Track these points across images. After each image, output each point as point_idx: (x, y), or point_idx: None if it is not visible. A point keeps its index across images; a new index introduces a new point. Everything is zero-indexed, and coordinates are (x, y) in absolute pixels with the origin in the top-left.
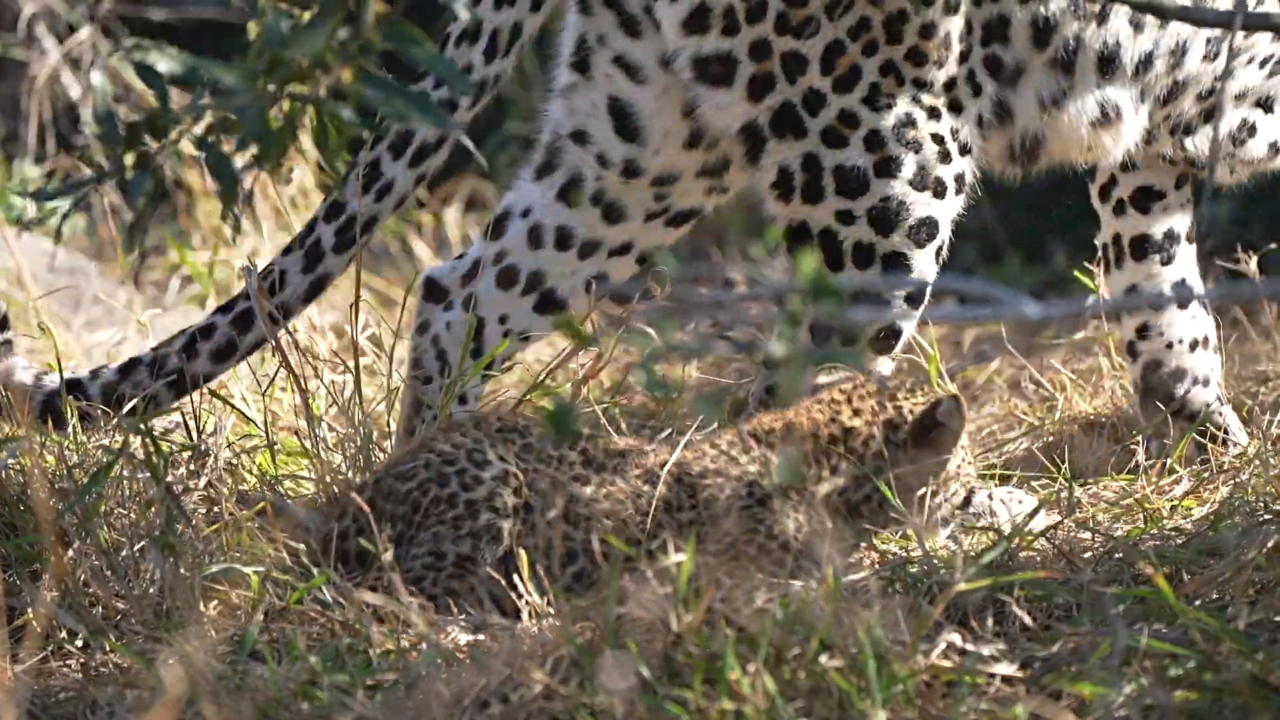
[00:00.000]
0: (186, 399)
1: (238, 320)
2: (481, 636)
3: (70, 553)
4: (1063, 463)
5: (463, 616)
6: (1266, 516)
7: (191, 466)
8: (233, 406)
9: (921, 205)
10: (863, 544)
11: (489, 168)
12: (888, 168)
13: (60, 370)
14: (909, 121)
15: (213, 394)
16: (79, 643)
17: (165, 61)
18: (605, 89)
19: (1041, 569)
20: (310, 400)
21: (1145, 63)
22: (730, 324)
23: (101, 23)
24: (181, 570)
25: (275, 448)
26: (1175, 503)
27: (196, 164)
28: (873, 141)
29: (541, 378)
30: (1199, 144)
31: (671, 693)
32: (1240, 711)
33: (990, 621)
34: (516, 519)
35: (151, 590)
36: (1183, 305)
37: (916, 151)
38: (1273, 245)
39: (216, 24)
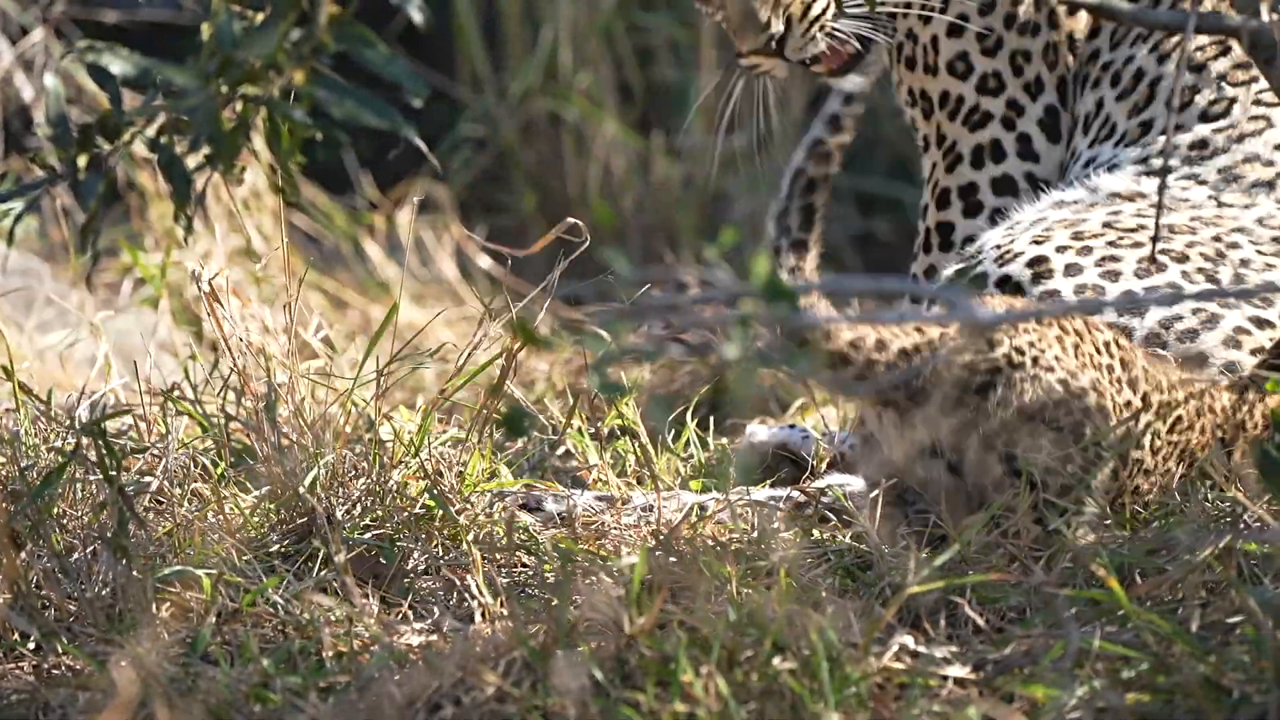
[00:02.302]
0: (139, 401)
1: None
2: (434, 638)
3: (22, 555)
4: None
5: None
6: (1218, 517)
7: (144, 468)
8: (185, 408)
9: None
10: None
11: (442, 170)
12: None
13: (12, 373)
14: None
15: (165, 395)
16: (31, 645)
17: (118, 63)
18: None
19: (994, 571)
20: (262, 402)
21: None
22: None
23: (54, 25)
24: (134, 572)
25: (228, 450)
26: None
27: (149, 166)
28: None
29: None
30: None
31: (624, 695)
32: (1193, 713)
33: (943, 623)
34: None
35: (104, 592)
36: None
37: None
38: None
39: (169, 26)
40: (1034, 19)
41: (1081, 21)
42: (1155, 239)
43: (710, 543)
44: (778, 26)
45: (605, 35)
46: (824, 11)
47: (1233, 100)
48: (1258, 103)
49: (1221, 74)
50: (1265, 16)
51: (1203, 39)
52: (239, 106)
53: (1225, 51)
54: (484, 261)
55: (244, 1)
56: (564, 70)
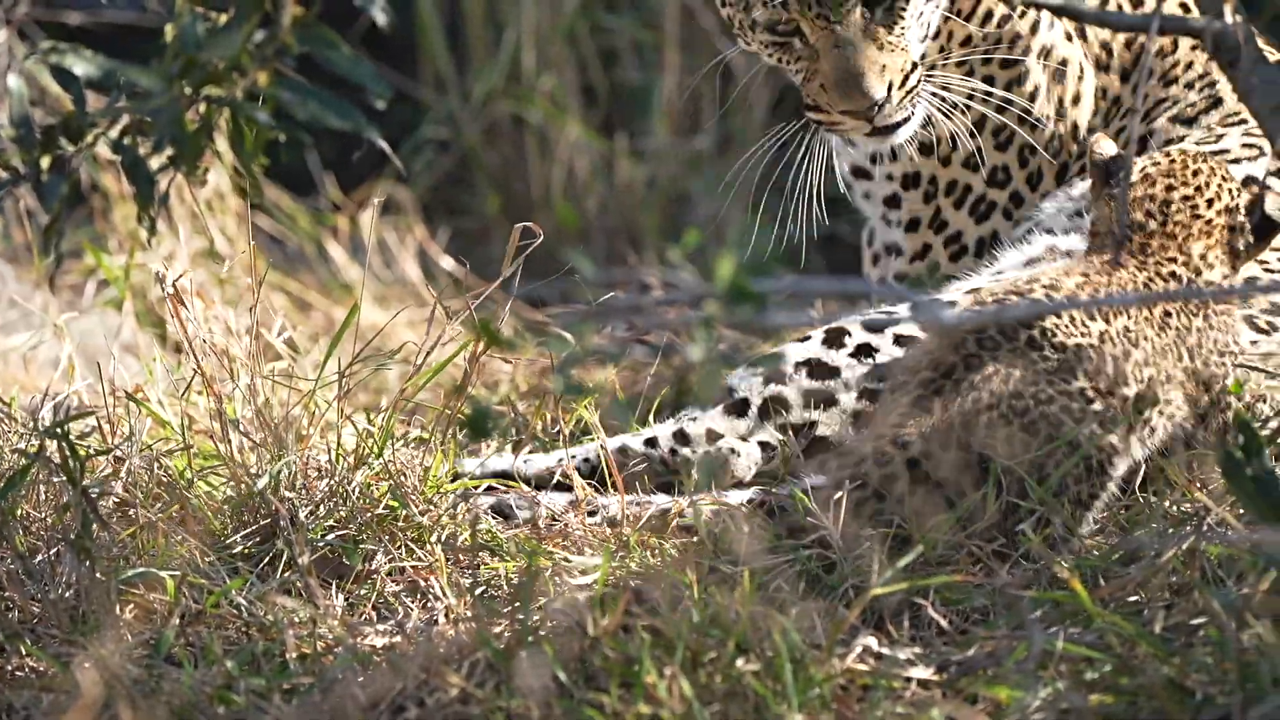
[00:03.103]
0: (103, 403)
1: None
2: (398, 639)
3: None
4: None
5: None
6: (1182, 520)
7: (108, 470)
8: (149, 410)
9: None
10: None
11: (405, 172)
12: None
13: None
14: None
15: (129, 397)
16: None
17: (81, 65)
18: None
19: (958, 572)
20: (226, 403)
21: None
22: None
23: (17, 26)
24: (97, 574)
25: (191, 451)
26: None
27: (112, 167)
28: None
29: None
30: None
31: (588, 696)
32: (1156, 715)
33: (906, 625)
34: None
35: (67, 594)
36: None
37: None
38: None
39: (133, 28)
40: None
41: (1085, 110)
42: (1117, 252)
43: (675, 544)
44: (881, 94)
45: (568, 37)
46: (919, 81)
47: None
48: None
49: (1210, 127)
50: (1229, 19)
51: (1194, 95)
52: (202, 108)
53: (1216, 104)
54: (447, 263)
55: (208, 3)
56: (527, 72)
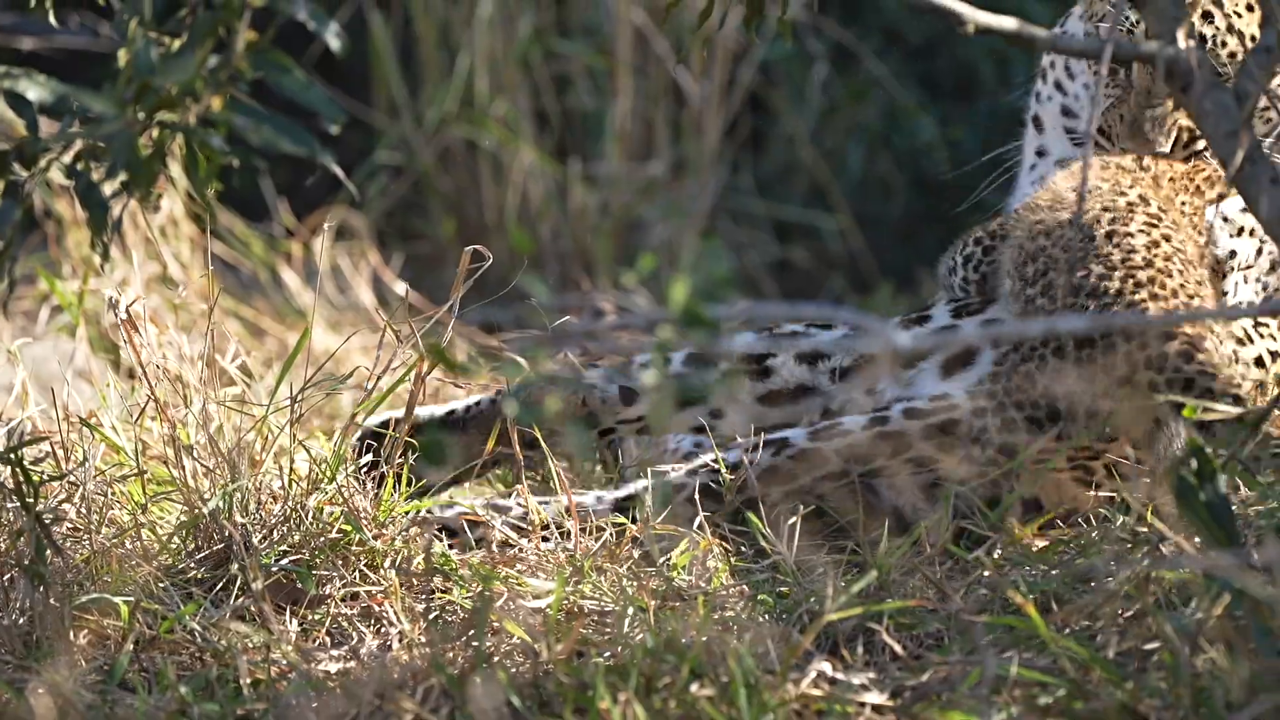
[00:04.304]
0: (56, 428)
1: None
2: (351, 665)
3: None
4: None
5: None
6: (1135, 545)
7: (62, 496)
8: (102, 435)
9: None
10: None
11: (359, 197)
12: None
13: None
14: None
15: (83, 422)
16: None
17: (35, 89)
18: None
19: (912, 597)
20: (179, 429)
21: None
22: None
23: None
24: (51, 600)
25: (145, 476)
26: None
27: (66, 193)
28: None
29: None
30: None
31: None
32: None
33: (860, 650)
34: None
35: (21, 620)
36: None
37: None
38: None
39: (86, 53)
40: None
41: None
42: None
43: (629, 568)
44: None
45: (522, 62)
46: None
47: None
48: None
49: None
50: (1181, 44)
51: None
52: (156, 133)
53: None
54: (400, 288)
55: (161, 28)
56: (481, 97)
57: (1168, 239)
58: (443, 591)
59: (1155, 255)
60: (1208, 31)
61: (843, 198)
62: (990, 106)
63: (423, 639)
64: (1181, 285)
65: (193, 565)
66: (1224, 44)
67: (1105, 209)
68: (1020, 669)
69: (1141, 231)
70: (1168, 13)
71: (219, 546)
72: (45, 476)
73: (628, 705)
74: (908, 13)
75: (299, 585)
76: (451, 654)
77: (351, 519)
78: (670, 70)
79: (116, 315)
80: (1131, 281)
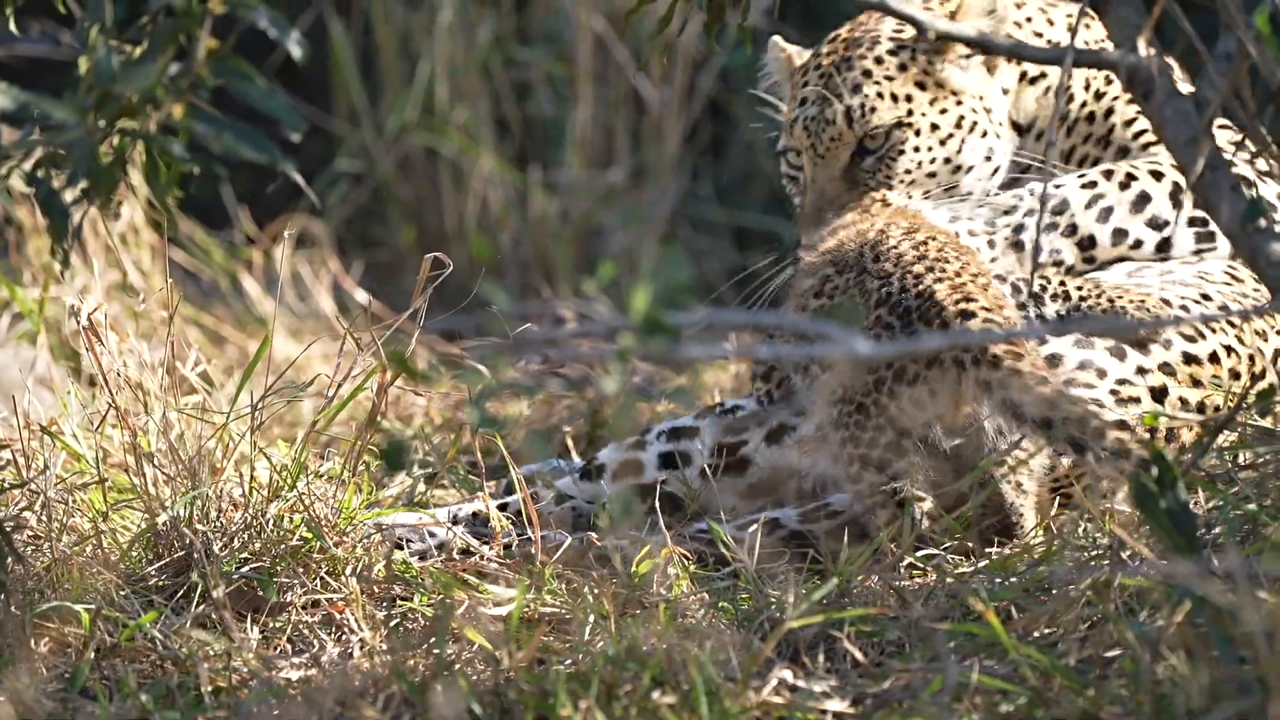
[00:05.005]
0: (17, 436)
1: None
2: (313, 672)
3: None
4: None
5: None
6: (1096, 552)
7: (22, 504)
8: (63, 443)
9: None
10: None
11: (319, 205)
12: None
13: None
14: None
15: (43, 430)
16: None
17: None
18: None
19: (873, 605)
20: (140, 436)
21: None
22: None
23: None
24: (12, 608)
25: (106, 484)
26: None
27: (27, 200)
28: None
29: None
30: None
31: None
32: None
33: (822, 657)
34: None
35: None
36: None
37: None
38: None
39: (47, 61)
40: None
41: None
42: (1031, 275)
43: (590, 576)
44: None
45: (482, 70)
46: None
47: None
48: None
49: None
50: (1142, 51)
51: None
52: (117, 141)
53: None
54: (361, 296)
55: (123, 36)
56: (441, 105)
57: (927, 242)
58: (404, 599)
59: (927, 250)
60: (855, 102)
61: None
62: None
63: (384, 646)
64: (964, 266)
65: (154, 573)
66: (874, 110)
67: (864, 243)
68: (981, 676)
69: (903, 240)
70: (1128, 21)
71: (180, 554)
72: (6, 484)
73: (589, 712)
74: None
75: (260, 593)
76: (413, 662)
77: (312, 526)
78: (630, 77)
79: (77, 322)
80: (931, 274)
